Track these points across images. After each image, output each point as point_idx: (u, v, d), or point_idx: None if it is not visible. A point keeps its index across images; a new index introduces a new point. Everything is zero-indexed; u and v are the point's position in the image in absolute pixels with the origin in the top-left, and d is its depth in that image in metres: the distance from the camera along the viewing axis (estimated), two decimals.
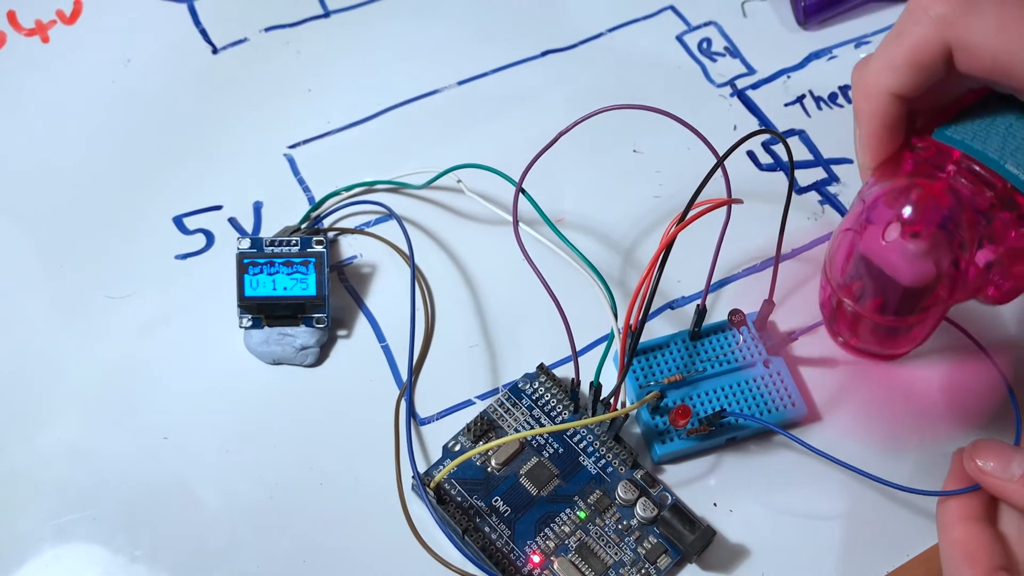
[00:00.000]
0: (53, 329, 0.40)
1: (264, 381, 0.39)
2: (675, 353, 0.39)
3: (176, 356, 0.40)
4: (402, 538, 0.35)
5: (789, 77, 0.49)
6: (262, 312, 0.40)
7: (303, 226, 0.42)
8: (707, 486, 0.37)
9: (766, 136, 0.47)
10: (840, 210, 0.45)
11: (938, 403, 0.39)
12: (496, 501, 0.36)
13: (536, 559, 0.35)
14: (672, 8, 0.52)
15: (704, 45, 0.50)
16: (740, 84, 0.49)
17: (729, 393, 0.38)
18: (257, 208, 0.44)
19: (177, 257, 0.43)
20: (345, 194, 0.44)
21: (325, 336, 0.40)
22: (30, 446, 0.37)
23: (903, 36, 0.32)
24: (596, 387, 0.36)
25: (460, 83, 0.48)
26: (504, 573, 0.34)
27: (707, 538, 0.34)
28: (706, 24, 0.51)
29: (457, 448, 0.37)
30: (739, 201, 0.33)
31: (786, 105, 0.48)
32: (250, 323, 0.40)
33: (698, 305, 0.38)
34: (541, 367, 0.39)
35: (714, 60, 0.50)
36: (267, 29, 0.50)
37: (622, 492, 0.36)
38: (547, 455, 0.37)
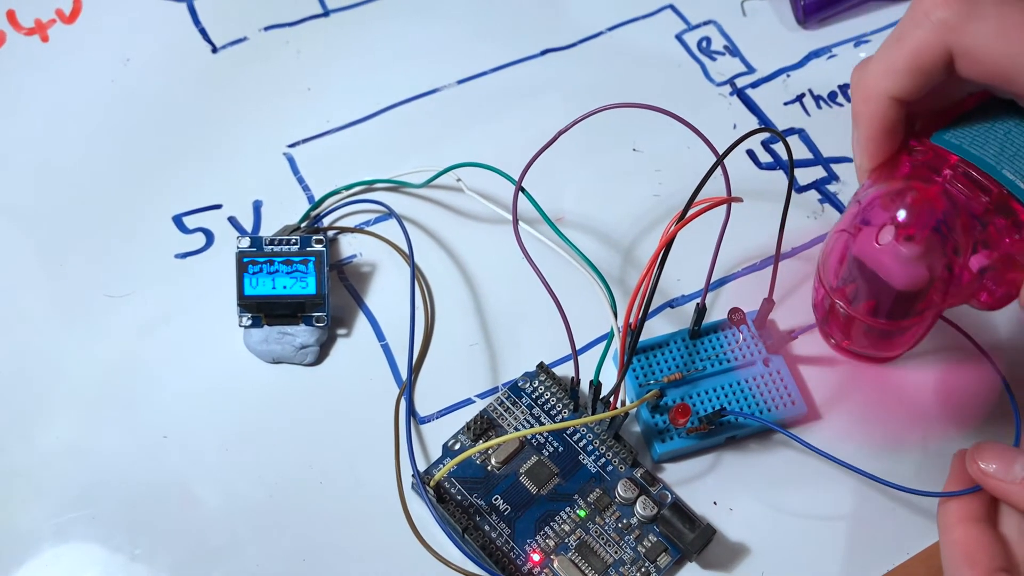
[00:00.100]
0: (53, 329, 0.40)
1: (264, 380, 0.39)
2: (675, 352, 0.39)
3: (176, 355, 0.40)
4: (402, 537, 0.35)
5: (789, 76, 0.49)
6: (262, 311, 0.40)
7: (303, 225, 0.42)
8: (707, 485, 0.37)
9: (766, 135, 0.47)
10: (840, 209, 0.45)
11: (936, 403, 0.39)
12: (496, 500, 0.36)
13: (536, 557, 0.35)
14: (672, 7, 0.52)
15: (704, 44, 0.50)
16: (740, 83, 0.49)
17: (729, 392, 0.38)
18: (257, 207, 0.44)
19: (177, 256, 0.43)
20: (345, 193, 0.44)
21: (325, 335, 0.40)
22: (30, 446, 0.37)
23: (904, 40, 0.32)
24: (596, 386, 0.36)
25: (460, 82, 0.48)
26: (504, 572, 0.34)
27: (707, 537, 0.34)
28: (706, 23, 0.51)
29: (457, 447, 0.37)
30: (739, 199, 0.33)
31: (786, 104, 0.48)
32: (250, 322, 0.40)
33: (698, 304, 0.38)
34: (541, 366, 0.39)
35: (714, 59, 0.50)
36: (267, 28, 0.50)
37: (622, 491, 0.36)
38: (547, 454, 0.37)
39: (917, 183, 0.33)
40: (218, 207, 0.44)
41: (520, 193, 0.35)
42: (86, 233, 0.43)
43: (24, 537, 0.36)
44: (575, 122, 0.34)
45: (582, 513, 0.36)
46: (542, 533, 0.35)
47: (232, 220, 0.44)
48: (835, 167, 0.46)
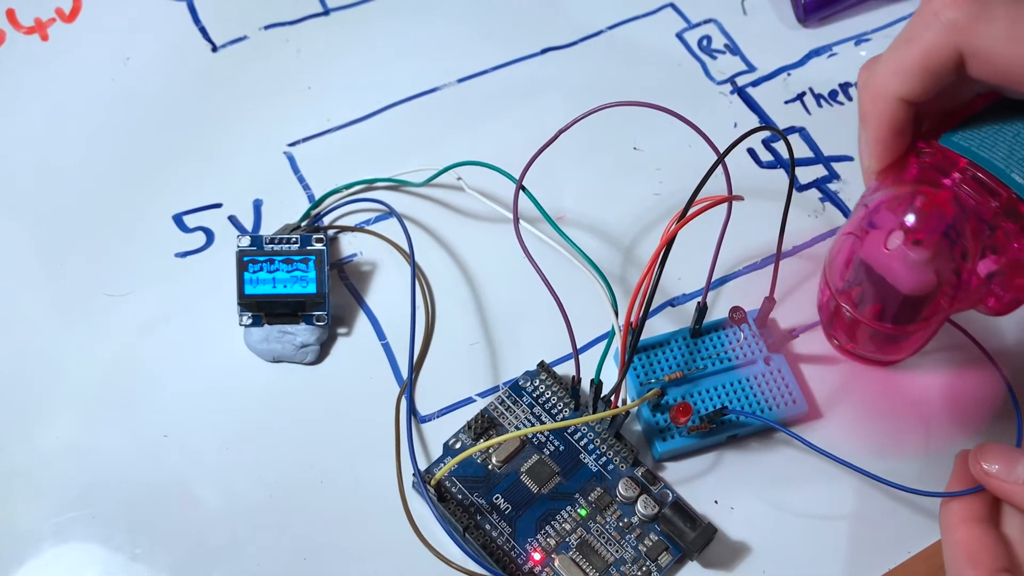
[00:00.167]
0: (53, 328, 0.40)
1: (264, 379, 0.39)
2: (676, 350, 0.39)
3: (176, 354, 0.40)
4: (403, 536, 0.35)
5: (789, 74, 0.49)
6: (262, 310, 0.40)
7: (303, 224, 0.42)
8: (708, 483, 0.37)
9: (766, 133, 0.47)
10: (840, 207, 0.45)
11: (938, 403, 0.39)
12: (497, 499, 0.36)
13: (537, 556, 0.35)
14: (672, 5, 0.52)
15: (704, 42, 0.50)
16: (740, 81, 0.49)
17: (730, 390, 0.38)
18: (257, 206, 0.44)
19: (177, 255, 0.43)
20: (345, 192, 0.44)
21: (325, 334, 0.40)
22: (30, 446, 0.37)
23: (913, 41, 0.31)
24: (597, 384, 0.36)
25: (460, 80, 0.48)
26: (505, 571, 0.34)
27: (708, 535, 0.34)
28: (706, 21, 0.51)
29: (458, 446, 0.37)
30: (740, 198, 0.33)
31: (786, 102, 0.48)
32: (250, 321, 0.40)
33: (699, 302, 0.38)
34: (542, 364, 0.39)
35: (714, 57, 0.50)
36: (267, 27, 0.50)
37: (623, 489, 0.36)
38: (548, 452, 0.37)
39: (926, 187, 0.32)
40: (218, 206, 0.44)
41: (521, 192, 0.35)
42: (86, 232, 0.43)
43: (24, 537, 0.36)
44: (576, 120, 0.34)
45: (583, 512, 0.36)
46: (543, 532, 0.35)
47: (232, 219, 0.44)
48: (836, 165, 0.46)
